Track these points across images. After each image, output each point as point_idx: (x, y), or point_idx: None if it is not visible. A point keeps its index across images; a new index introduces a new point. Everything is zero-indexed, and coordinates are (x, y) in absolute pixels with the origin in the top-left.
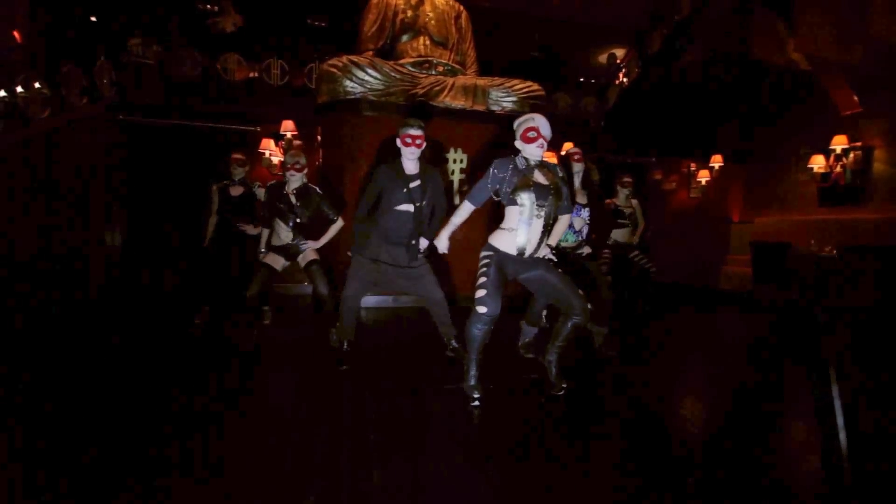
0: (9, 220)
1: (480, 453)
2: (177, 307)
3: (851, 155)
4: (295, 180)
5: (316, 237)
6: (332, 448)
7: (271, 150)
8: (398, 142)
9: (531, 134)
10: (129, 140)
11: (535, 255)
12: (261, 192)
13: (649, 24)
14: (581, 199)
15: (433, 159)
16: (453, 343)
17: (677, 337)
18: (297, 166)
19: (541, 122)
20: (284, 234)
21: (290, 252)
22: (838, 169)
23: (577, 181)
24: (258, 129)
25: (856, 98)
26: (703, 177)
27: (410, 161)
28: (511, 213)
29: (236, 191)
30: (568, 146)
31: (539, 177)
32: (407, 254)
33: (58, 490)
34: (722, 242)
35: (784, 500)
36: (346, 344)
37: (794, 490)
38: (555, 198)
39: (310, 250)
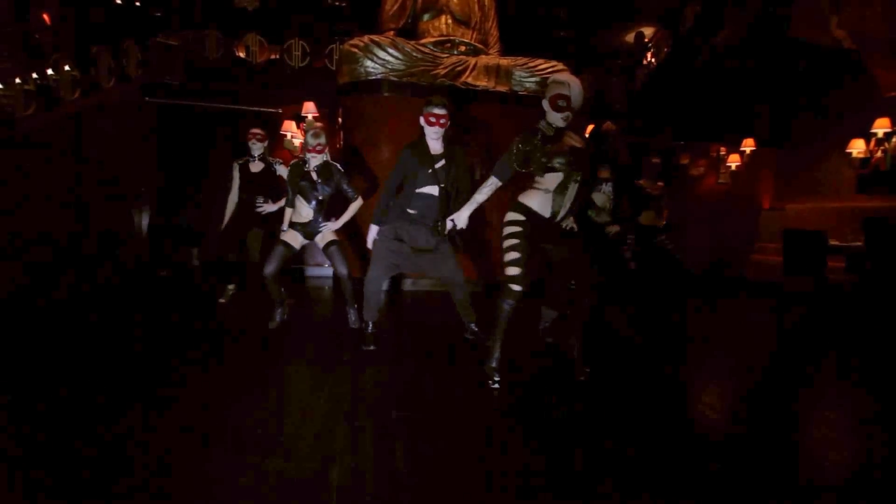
0: (46, 199)
1: (502, 435)
2: (203, 285)
3: (894, 139)
4: (316, 160)
5: (337, 217)
6: (356, 426)
7: (293, 132)
8: (422, 120)
9: (561, 103)
10: (156, 122)
11: (563, 223)
12: (281, 169)
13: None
14: (604, 173)
15: (455, 141)
16: (472, 327)
17: (704, 326)
18: (318, 147)
19: (575, 93)
20: (306, 212)
21: (308, 231)
22: (879, 154)
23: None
24: (280, 110)
25: None
26: (734, 162)
27: (435, 140)
28: (549, 177)
29: (256, 167)
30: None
31: (572, 140)
32: (431, 235)
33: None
34: (751, 230)
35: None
36: (371, 325)
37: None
38: (587, 161)
39: (328, 231)
